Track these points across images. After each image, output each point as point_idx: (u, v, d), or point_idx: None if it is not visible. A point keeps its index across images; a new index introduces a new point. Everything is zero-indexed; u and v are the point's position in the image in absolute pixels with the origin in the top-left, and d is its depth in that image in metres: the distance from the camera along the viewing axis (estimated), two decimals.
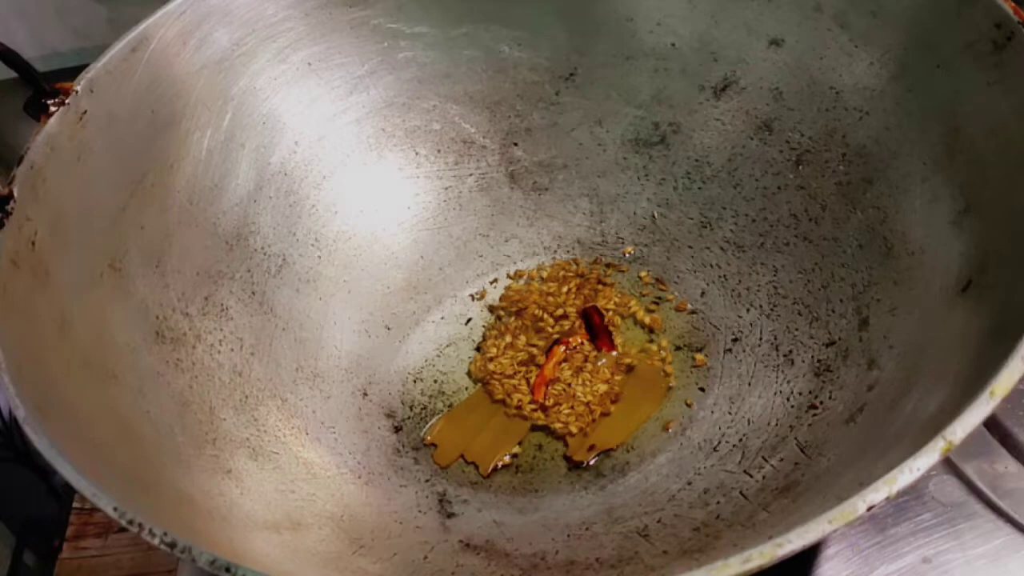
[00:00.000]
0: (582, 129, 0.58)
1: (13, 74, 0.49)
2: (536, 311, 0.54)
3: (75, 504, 0.60)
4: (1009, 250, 0.37)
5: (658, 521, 0.42)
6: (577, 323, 0.53)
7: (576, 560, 0.40)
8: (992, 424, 0.43)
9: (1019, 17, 0.40)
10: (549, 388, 0.50)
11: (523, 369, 0.52)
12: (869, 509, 0.28)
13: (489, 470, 0.48)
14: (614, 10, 0.55)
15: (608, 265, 0.56)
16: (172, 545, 0.29)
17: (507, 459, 0.48)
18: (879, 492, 0.28)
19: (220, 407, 0.44)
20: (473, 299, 0.56)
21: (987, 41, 0.41)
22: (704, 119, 0.55)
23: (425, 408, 0.51)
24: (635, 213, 0.57)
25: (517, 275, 0.57)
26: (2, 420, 0.80)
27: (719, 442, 0.46)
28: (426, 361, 0.53)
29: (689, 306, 0.53)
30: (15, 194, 0.39)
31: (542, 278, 0.56)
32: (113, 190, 0.45)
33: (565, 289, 0.55)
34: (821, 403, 0.44)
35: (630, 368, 0.51)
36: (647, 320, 0.53)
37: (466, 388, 0.52)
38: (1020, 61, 0.40)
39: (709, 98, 0.55)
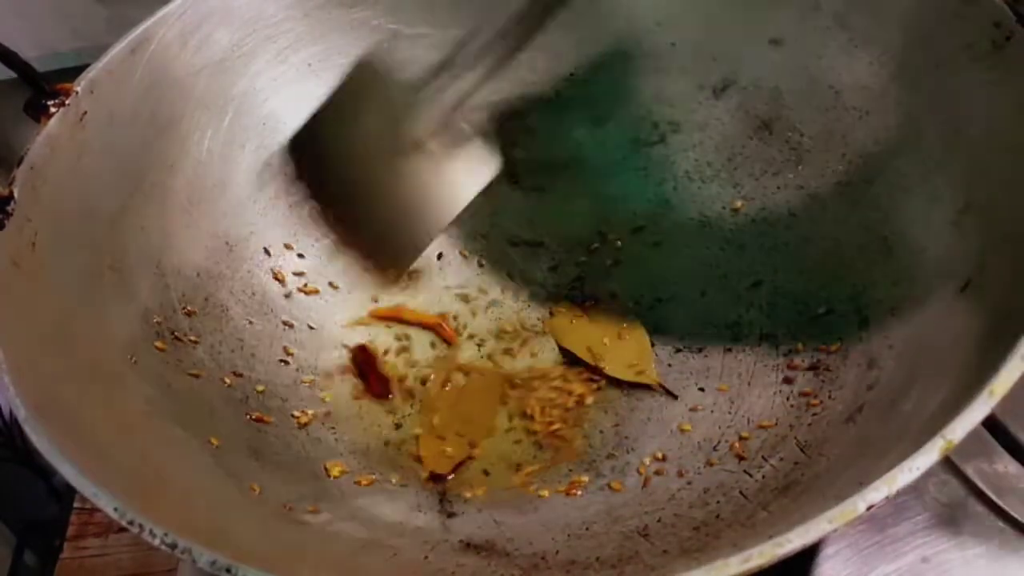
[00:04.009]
0: (582, 129, 0.58)
1: (13, 74, 0.49)
2: None
3: (75, 504, 0.60)
4: (1009, 250, 0.38)
5: (658, 520, 0.42)
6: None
7: (576, 560, 0.40)
8: (992, 424, 0.43)
9: (1018, 17, 0.40)
10: None
11: None
12: (869, 508, 0.28)
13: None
14: (614, 10, 0.55)
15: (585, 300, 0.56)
16: (173, 546, 0.29)
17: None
18: (879, 491, 0.28)
19: (221, 407, 0.44)
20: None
21: (986, 41, 0.41)
22: (704, 119, 0.55)
23: (426, 408, 0.51)
24: (635, 213, 0.56)
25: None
26: (2, 420, 0.80)
27: (719, 442, 0.46)
28: (426, 362, 0.53)
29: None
30: (15, 195, 0.39)
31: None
32: (113, 191, 0.45)
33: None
34: (821, 403, 0.44)
35: None
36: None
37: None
38: (1019, 61, 0.40)
39: (709, 97, 0.55)
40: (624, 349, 0.52)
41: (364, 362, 0.52)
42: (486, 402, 0.51)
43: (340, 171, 0.49)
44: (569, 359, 0.53)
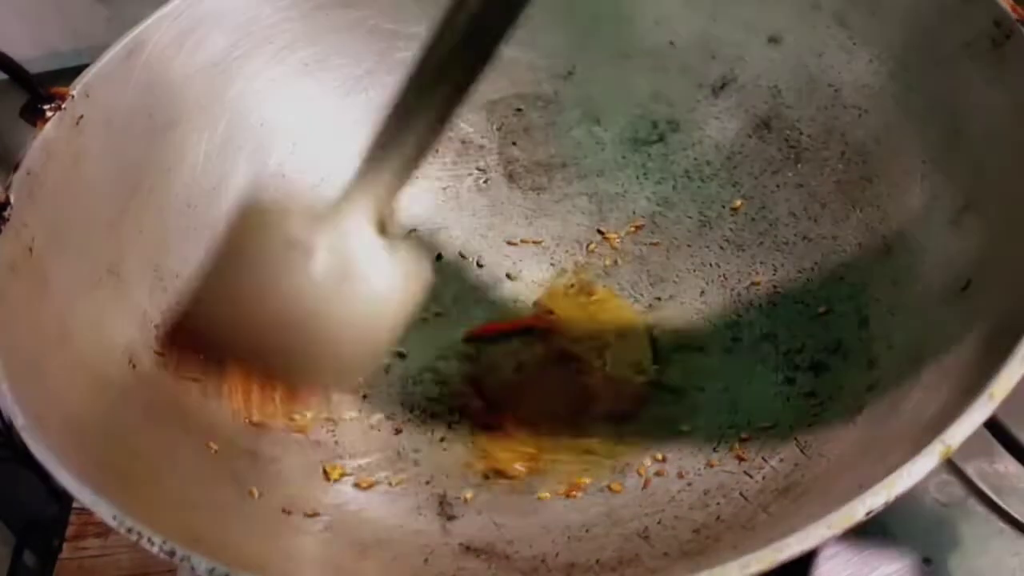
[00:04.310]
0: (580, 128, 0.58)
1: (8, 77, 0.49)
2: None
3: (75, 504, 0.60)
4: (1009, 249, 0.38)
5: (658, 522, 0.42)
6: None
7: (576, 562, 0.40)
8: (992, 424, 0.43)
9: (1017, 15, 0.40)
10: None
11: None
12: (868, 514, 0.28)
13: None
14: (613, 9, 0.55)
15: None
16: (171, 553, 0.29)
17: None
18: (878, 497, 0.28)
19: (219, 411, 0.44)
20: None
21: (986, 39, 0.41)
22: (703, 117, 0.55)
23: (425, 411, 0.51)
24: (634, 212, 0.56)
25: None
26: (1, 420, 0.80)
27: (719, 442, 0.46)
28: (426, 363, 0.53)
29: None
30: (12, 200, 0.39)
31: None
32: (111, 195, 0.44)
33: None
34: (821, 403, 0.44)
35: None
36: None
37: (466, 391, 0.52)
38: (1019, 59, 0.40)
39: (708, 96, 0.55)
40: (623, 348, 0.52)
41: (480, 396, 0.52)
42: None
43: (246, 327, 0.39)
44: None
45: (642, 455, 0.47)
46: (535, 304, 0.55)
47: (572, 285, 0.56)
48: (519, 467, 0.48)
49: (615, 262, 0.56)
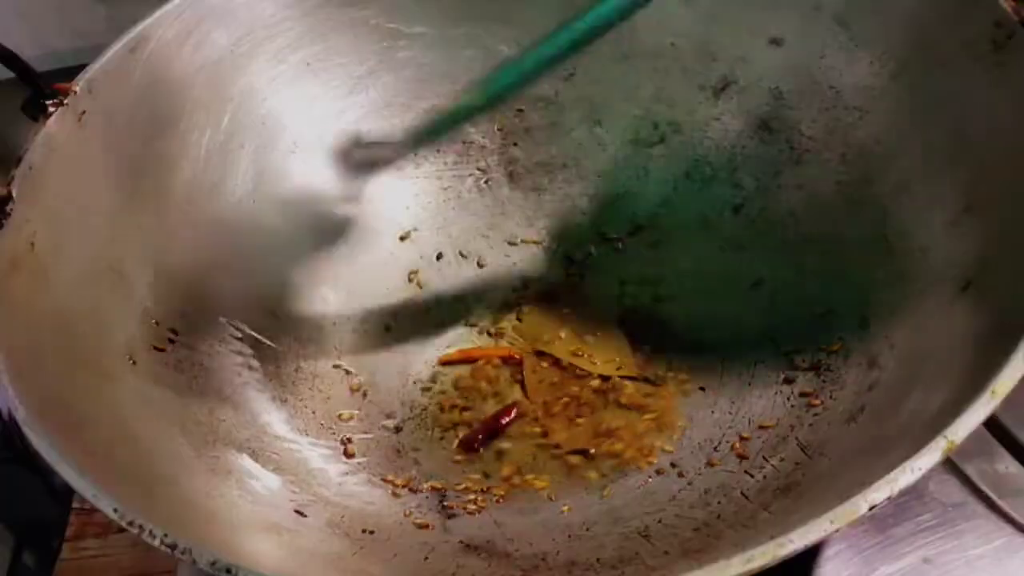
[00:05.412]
0: (581, 129, 0.58)
1: (12, 74, 0.49)
2: None
3: (75, 504, 0.60)
4: (1009, 250, 0.38)
5: (659, 521, 0.42)
6: None
7: (577, 561, 0.40)
8: (992, 424, 0.43)
9: (1019, 16, 0.40)
10: None
11: None
12: (871, 509, 0.28)
13: None
14: None
15: None
16: (173, 546, 0.29)
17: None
18: (881, 492, 0.28)
19: (220, 408, 0.44)
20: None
21: (987, 40, 0.41)
22: (704, 119, 0.55)
23: (425, 409, 0.51)
24: (635, 213, 0.56)
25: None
26: (1, 421, 0.80)
27: (720, 442, 0.46)
28: (426, 362, 0.53)
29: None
30: (14, 195, 0.39)
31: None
32: (112, 191, 0.45)
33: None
34: (822, 403, 0.44)
35: None
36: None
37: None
38: (1020, 60, 0.40)
39: (709, 97, 0.55)
40: (602, 347, 0.53)
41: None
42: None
43: None
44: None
45: (642, 454, 0.47)
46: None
47: None
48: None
49: (615, 263, 0.56)
